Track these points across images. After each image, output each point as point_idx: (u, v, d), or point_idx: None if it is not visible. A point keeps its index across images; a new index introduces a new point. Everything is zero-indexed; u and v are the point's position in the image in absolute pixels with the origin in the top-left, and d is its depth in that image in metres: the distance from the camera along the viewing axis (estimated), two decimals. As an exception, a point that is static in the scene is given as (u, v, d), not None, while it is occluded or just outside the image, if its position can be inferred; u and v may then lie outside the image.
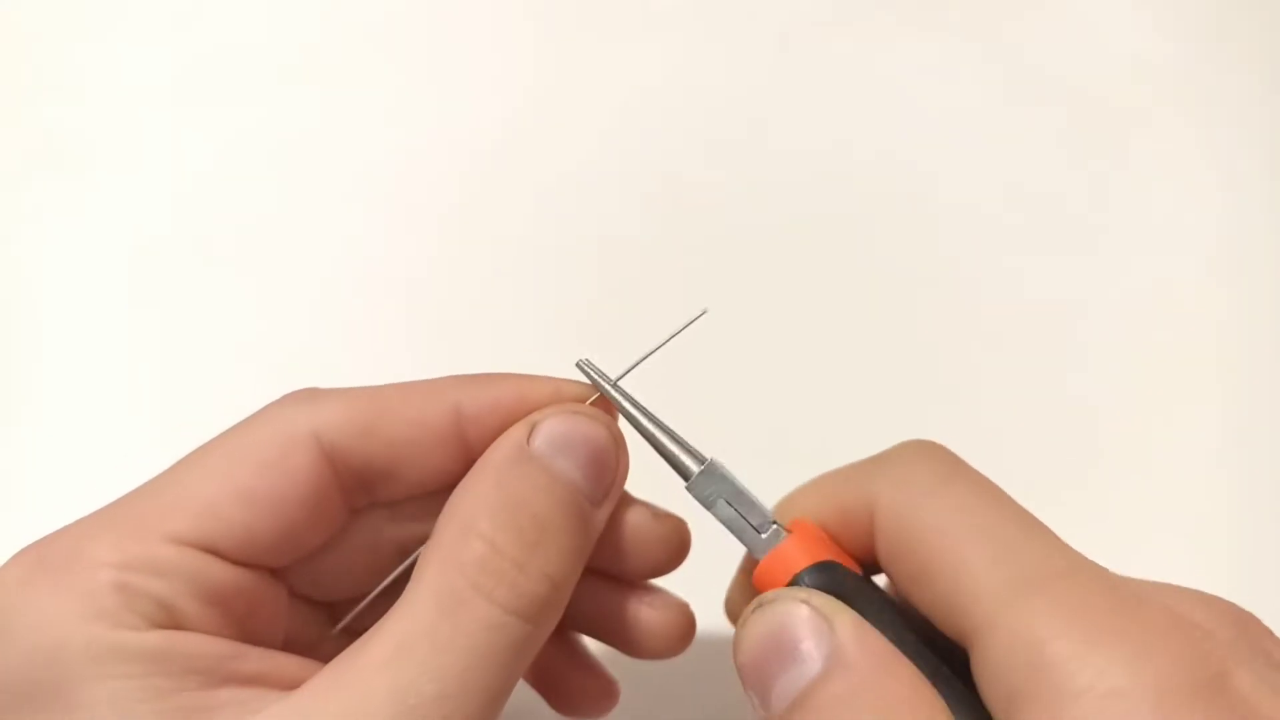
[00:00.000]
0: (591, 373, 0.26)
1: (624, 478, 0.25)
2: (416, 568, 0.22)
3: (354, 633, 0.23)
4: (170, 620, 0.22)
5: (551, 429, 0.24)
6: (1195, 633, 0.19)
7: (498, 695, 0.21)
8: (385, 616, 0.22)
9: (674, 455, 0.25)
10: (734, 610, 0.28)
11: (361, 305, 0.43)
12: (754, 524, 0.25)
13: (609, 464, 0.24)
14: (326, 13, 0.49)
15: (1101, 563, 0.23)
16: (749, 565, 0.27)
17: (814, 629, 0.21)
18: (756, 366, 0.42)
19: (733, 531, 0.25)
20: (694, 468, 0.25)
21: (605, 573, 0.27)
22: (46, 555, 0.22)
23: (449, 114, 0.47)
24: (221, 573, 0.23)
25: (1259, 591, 0.37)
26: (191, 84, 0.48)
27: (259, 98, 0.47)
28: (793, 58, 0.49)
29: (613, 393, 0.26)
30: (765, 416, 0.41)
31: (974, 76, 0.48)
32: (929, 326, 0.43)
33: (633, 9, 0.49)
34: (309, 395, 0.25)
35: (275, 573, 0.24)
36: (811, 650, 0.21)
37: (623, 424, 0.26)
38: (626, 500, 0.26)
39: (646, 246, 0.44)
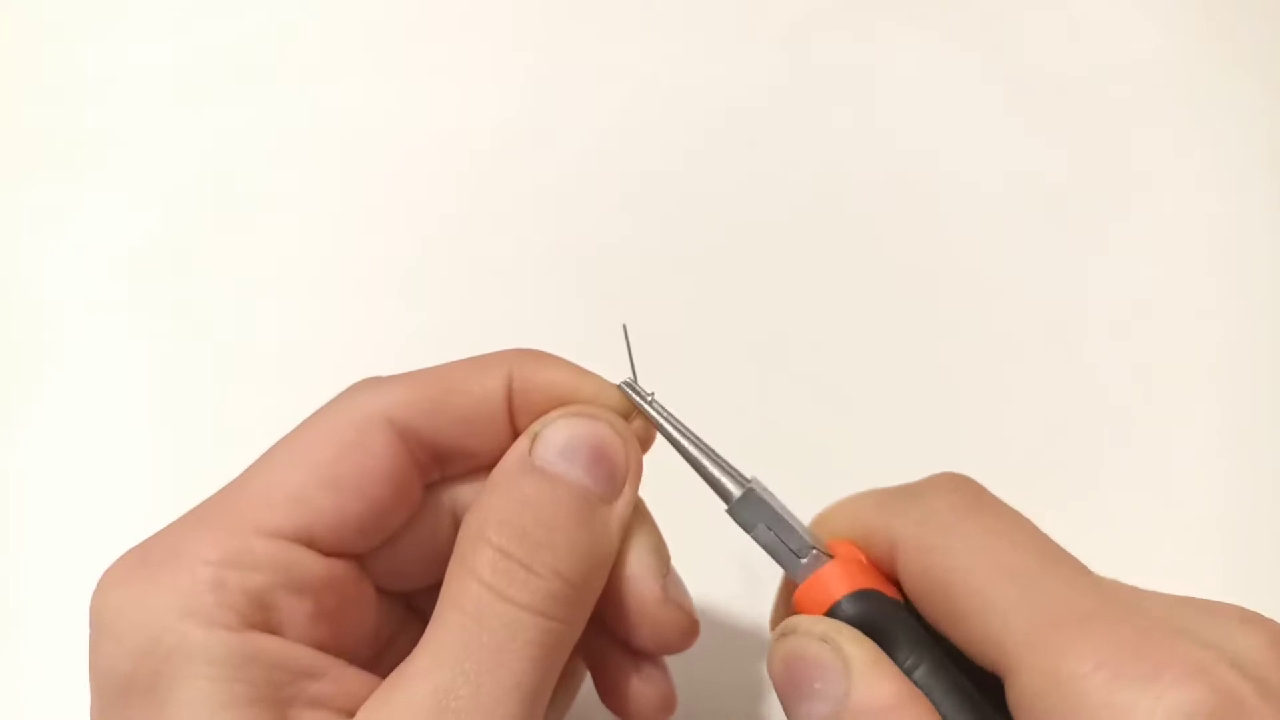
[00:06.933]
0: (632, 392, 0.26)
1: (638, 468, 0.26)
2: (444, 581, 0.23)
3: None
4: (263, 616, 0.22)
5: (552, 437, 0.25)
6: (1219, 668, 0.19)
7: (532, 692, 0.22)
8: (426, 629, 0.23)
9: (715, 478, 0.26)
10: (774, 623, 0.28)
11: (363, 304, 0.43)
12: (793, 548, 0.25)
13: (616, 459, 0.25)
14: (327, 13, 0.49)
15: (1103, 566, 0.23)
16: (789, 584, 0.27)
17: (828, 669, 0.22)
18: (755, 366, 0.42)
19: (772, 556, 0.25)
20: (735, 491, 0.25)
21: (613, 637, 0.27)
22: (149, 554, 0.23)
23: (449, 113, 0.47)
24: (313, 564, 0.23)
25: (1260, 592, 0.38)
26: (191, 84, 0.48)
27: (259, 98, 0.47)
28: (792, 57, 0.49)
29: (652, 413, 0.26)
30: (765, 417, 0.41)
31: (974, 75, 0.48)
32: (926, 327, 0.43)
33: (632, 8, 0.49)
34: (374, 382, 0.26)
35: (361, 563, 0.25)
36: (824, 690, 0.22)
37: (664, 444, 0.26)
38: (641, 574, 0.26)
39: (645, 246, 0.44)
